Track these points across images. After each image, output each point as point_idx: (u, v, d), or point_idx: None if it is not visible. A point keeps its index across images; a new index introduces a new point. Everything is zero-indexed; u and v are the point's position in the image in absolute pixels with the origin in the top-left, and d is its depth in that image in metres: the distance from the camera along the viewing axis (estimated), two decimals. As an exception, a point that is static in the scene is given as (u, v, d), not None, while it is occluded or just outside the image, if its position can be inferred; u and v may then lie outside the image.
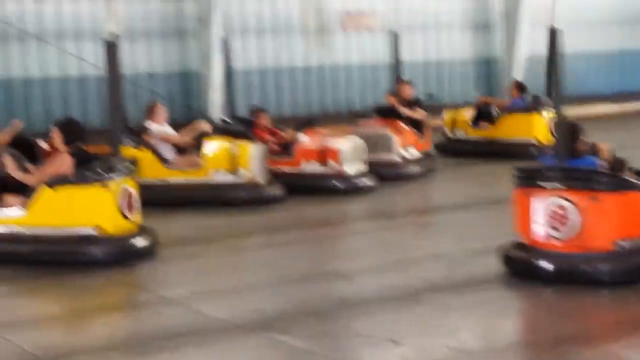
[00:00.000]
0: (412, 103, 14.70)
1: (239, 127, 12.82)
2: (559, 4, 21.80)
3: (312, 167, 12.36)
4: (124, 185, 8.89)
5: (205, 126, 12.13)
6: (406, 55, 22.03)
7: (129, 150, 11.30)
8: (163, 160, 11.70)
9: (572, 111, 21.26)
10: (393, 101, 14.52)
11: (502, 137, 15.37)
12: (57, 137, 9.00)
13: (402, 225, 10.74)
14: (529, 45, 22.93)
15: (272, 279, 8.20)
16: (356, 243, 9.93)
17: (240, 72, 19.73)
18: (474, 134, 15.87)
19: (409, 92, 14.94)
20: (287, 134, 12.86)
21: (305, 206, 11.60)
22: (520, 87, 16.33)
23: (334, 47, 21.45)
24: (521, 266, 7.82)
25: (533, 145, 14.99)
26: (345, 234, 10.50)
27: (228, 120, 13.61)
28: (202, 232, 10.31)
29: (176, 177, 11.64)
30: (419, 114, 14.49)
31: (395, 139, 13.50)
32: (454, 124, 16.12)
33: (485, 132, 15.70)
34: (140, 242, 8.94)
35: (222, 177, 11.56)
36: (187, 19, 19.91)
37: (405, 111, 14.28)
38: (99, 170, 8.73)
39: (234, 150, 11.59)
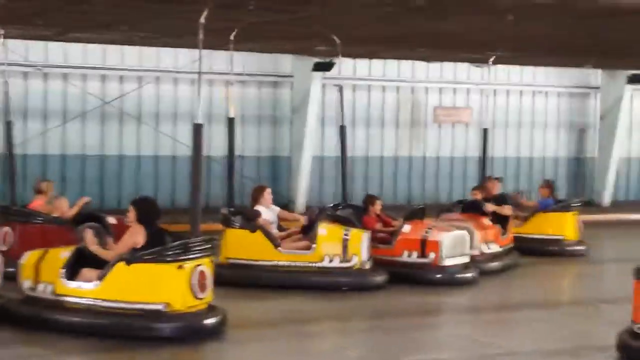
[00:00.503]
0: (498, 199, 14.63)
1: (348, 214, 12.94)
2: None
3: (412, 257, 12.40)
4: (198, 264, 8.98)
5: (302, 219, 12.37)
6: (499, 150, 22.25)
7: (240, 232, 11.70)
8: (274, 243, 11.76)
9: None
10: (478, 196, 14.46)
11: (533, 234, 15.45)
12: (131, 214, 9.18)
13: (482, 321, 10.60)
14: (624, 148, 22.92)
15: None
16: (434, 335, 9.85)
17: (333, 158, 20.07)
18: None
19: (495, 188, 14.96)
20: (397, 222, 12.92)
21: (402, 294, 11.57)
22: (550, 187, 16.16)
23: (427, 139, 21.60)
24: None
25: (561, 241, 15.43)
26: (426, 325, 10.36)
27: (339, 206, 13.75)
28: (284, 315, 10.32)
29: (286, 260, 11.71)
30: (504, 209, 14.40)
31: (477, 234, 13.38)
32: None
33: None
34: (208, 320, 8.98)
35: (332, 262, 11.62)
36: (282, 106, 20.34)
37: (489, 207, 14.20)
38: (175, 249, 8.82)
39: (347, 236, 11.69)
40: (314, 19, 12.63)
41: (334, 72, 19.76)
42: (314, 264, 11.65)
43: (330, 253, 11.63)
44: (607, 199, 22.81)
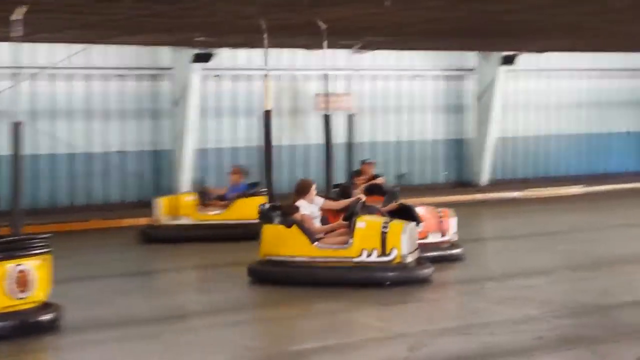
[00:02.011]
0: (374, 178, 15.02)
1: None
2: (529, 89, 22.26)
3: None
4: (15, 265, 8.86)
5: (362, 197, 11.91)
6: (379, 135, 22.55)
7: (277, 228, 11.39)
8: (311, 239, 11.32)
9: (544, 191, 22.05)
10: (360, 181, 14.65)
11: (231, 220, 15.36)
12: None
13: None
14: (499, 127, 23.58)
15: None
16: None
17: (213, 149, 20.14)
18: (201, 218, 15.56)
19: (371, 170, 15.41)
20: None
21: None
22: (241, 172, 16.28)
23: (309, 127, 21.71)
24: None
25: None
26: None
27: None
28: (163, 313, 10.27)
29: (322, 256, 11.29)
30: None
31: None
32: (174, 209, 15.64)
33: (214, 216, 15.52)
34: (38, 318, 8.99)
35: (370, 256, 11.17)
36: (162, 99, 20.16)
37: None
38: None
39: (386, 229, 11.22)
40: (192, 10, 12.59)
41: (213, 63, 19.76)
42: (351, 259, 11.20)
43: (368, 247, 11.18)
44: (485, 178, 23.40)
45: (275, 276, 11.37)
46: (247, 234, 14.56)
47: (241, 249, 13.82)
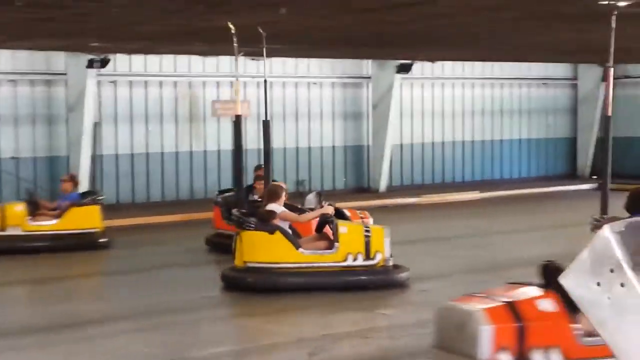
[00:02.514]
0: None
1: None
2: (424, 97, 22.58)
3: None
4: None
5: (330, 209, 11.68)
6: (278, 142, 22.61)
7: (258, 234, 11.12)
8: (296, 245, 11.17)
9: (440, 197, 22.42)
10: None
11: (63, 230, 14.72)
12: None
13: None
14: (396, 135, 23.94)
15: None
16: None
17: (113, 156, 19.94)
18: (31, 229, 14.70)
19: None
20: None
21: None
22: (74, 181, 15.65)
23: (206, 133, 21.65)
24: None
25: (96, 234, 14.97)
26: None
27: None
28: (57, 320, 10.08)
29: (308, 262, 11.16)
30: None
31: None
32: (2, 220, 14.69)
33: (45, 226, 14.77)
34: None
35: (356, 260, 11.17)
36: (57, 105, 19.84)
37: None
38: None
39: (369, 233, 11.28)
40: (85, 16, 12.43)
41: (109, 68, 19.54)
42: (337, 264, 11.15)
43: (353, 251, 11.18)
44: (383, 184, 23.67)
45: (257, 284, 11.13)
46: (80, 244, 14.52)
47: (75, 261, 13.73)
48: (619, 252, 3.36)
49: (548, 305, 6.23)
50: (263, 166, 15.85)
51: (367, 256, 11.24)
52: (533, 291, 6.44)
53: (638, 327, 3.29)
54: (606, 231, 3.41)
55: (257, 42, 12.80)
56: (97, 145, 20.04)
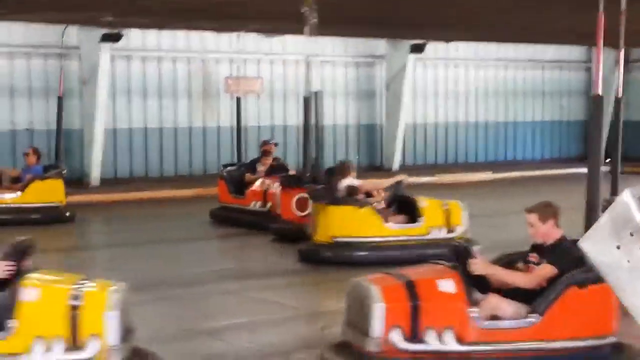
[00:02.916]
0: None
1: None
2: (438, 77, 22.51)
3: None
4: None
5: (403, 176, 11.91)
6: (291, 119, 22.59)
7: (347, 209, 11.09)
8: (385, 219, 11.16)
9: (453, 177, 22.37)
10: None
11: (27, 203, 14.52)
12: None
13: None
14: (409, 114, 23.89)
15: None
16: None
17: (127, 130, 19.97)
18: None
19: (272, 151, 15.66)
20: None
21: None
22: (38, 154, 15.33)
23: (219, 110, 21.64)
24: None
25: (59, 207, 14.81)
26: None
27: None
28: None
29: (395, 235, 11.15)
30: None
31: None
32: None
33: (8, 200, 14.54)
34: None
35: (440, 233, 11.19)
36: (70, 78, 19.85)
37: None
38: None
39: (447, 206, 11.34)
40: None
41: (122, 43, 19.51)
42: (422, 237, 11.17)
43: (434, 225, 11.22)
44: (396, 163, 23.63)
45: (347, 258, 11.06)
46: (44, 218, 14.40)
47: (57, 234, 13.63)
48: (638, 216, 3.33)
49: (448, 286, 6.18)
50: (271, 142, 16.06)
51: (448, 229, 11.28)
52: (439, 272, 6.38)
53: (657, 291, 3.27)
54: (626, 195, 3.38)
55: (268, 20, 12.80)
56: (106, 119, 20.05)
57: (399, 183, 11.72)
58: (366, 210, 11.17)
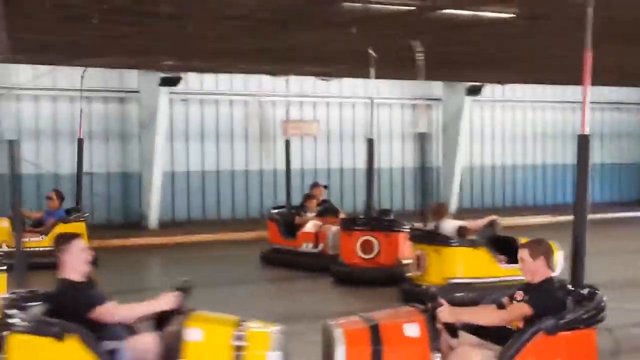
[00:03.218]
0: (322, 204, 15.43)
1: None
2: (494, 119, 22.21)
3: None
4: None
5: (495, 217, 11.87)
6: (348, 162, 22.65)
7: (463, 250, 11.02)
8: (498, 259, 11.04)
9: (510, 220, 22.16)
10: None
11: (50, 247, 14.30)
12: None
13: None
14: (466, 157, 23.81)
15: None
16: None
17: (184, 173, 20.18)
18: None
19: (321, 194, 15.73)
20: None
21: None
22: (61, 197, 15.35)
23: (276, 152, 21.77)
24: None
25: None
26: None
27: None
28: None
29: (506, 275, 10.79)
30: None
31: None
32: None
33: (32, 243, 14.22)
34: None
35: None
36: (129, 122, 20.16)
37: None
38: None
39: None
40: (160, 34, 12.61)
41: (180, 86, 19.78)
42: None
43: None
44: (453, 206, 23.51)
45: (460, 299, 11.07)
46: None
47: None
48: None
49: (413, 330, 6.09)
50: (321, 185, 16.12)
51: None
52: (407, 315, 6.30)
53: None
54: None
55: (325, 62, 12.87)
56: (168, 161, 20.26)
57: (492, 223, 11.58)
58: (481, 251, 11.08)
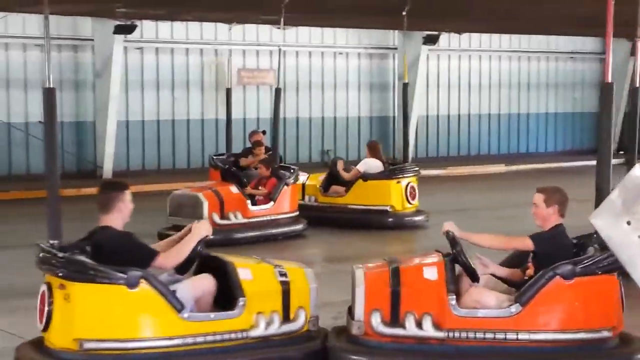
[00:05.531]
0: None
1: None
2: (454, 69, 22.24)
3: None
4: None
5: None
6: (303, 111, 22.60)
7: None
8: None
9: (465, 169, 22.34)
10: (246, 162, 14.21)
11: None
12: None
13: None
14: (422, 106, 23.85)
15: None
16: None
17: (139, 122, 20.00)
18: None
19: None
20: None
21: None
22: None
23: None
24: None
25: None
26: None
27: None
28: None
29: None
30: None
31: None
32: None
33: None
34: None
35: None
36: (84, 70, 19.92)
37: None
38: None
39: None
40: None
41: (135, 35, 19.54)
42: None
43: None
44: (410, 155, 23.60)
45: None
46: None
47: None
48: (650, 191, 3.32)
49: (431, 273, 6.30)
50: (260, 131, 15.54)
51: None
52: (430, 259, 6.51)
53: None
54: (637, 170, 3.37)
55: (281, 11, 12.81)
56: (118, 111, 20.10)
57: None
58: None
